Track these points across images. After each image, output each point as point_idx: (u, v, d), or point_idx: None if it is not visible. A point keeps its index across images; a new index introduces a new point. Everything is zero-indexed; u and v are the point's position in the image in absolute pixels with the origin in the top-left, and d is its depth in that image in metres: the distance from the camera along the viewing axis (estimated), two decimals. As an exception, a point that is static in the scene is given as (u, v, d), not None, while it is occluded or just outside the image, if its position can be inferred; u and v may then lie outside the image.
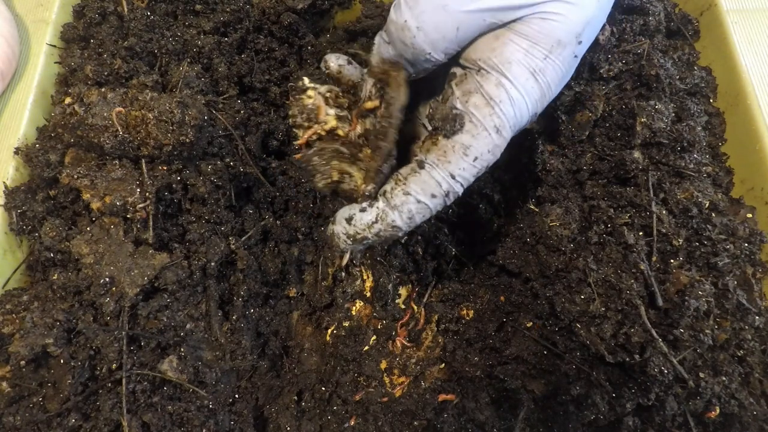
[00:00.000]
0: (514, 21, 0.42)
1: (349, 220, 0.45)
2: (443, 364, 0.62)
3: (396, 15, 0.43)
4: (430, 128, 0.46)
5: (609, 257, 0.52)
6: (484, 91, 0.42)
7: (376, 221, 0.44)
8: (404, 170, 0.45)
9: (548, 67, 0.43)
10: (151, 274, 0.50)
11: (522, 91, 0.42)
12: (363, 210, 0.45)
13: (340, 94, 0.52)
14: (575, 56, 0.44)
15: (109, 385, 0.49)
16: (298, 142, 0.51)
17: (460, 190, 0.44)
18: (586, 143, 0.59)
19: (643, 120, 0.56)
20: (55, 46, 0.64)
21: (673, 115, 0.57)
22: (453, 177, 0.43)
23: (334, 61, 0.51)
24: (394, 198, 0.44)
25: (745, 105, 0.60)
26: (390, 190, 0.44)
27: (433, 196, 0.44)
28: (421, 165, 0.44)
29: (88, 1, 0.66)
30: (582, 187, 0.59)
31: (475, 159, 0.43)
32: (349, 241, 0.46)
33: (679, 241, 0.52)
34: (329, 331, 0.64)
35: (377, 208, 0.45)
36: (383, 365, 0.62)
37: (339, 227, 0.46)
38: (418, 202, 0.44)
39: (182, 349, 0.52)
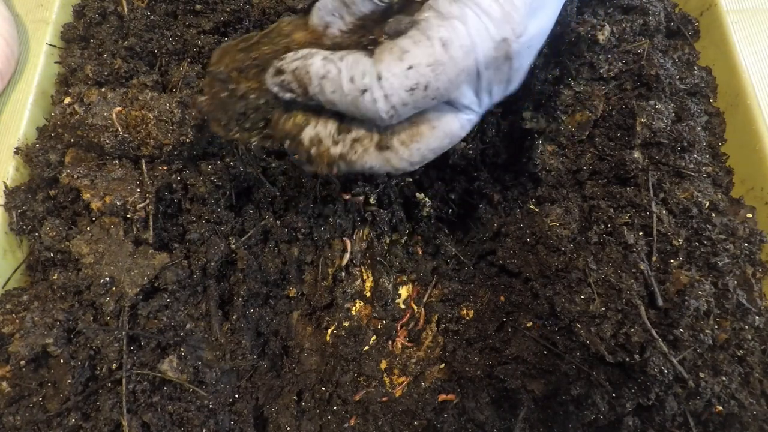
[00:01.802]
0: None
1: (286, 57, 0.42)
2: (443, 364, 0.62)
3: None
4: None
5: (609, 257, 0.52)
6: (438, 5, 0.39)
7: (302, 57, 0.41)
8: (359, 50, 0.41)
9: None
10: (151, 274, 0.50)
11: (476, 9, 0.38)
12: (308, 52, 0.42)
13: None
14: None
15: (109, 385, 0.49)
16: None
17: (381, 102, 0.39)
18: (586, 143, 0.59)
19: (643, 120, 0.56)
20: (55, 46, 0.64)
21: (673, 115, 0.57)
22: (379, 78, 0.38)
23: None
24: (332, 54, 0.41)
25: (745, 105, 0.60)
26: (334, 53, 0.41)
27: (352, 80, 0.39)
28: (368, 54, 0.40)
29: (88, 1, 0.66)
30: (582, 187, 0.59)
31: (410, 67, 0.38)
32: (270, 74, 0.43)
33: (679, 241, 0.52)
34: (329, 331, 0.64)
35: (314, 49, 0.42)
36: (383, 365, 0.62)
37: (272, 66, 0.42)
38: (339, 72, 0.40)
39: (182, 349, 0.52)
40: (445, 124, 0.42)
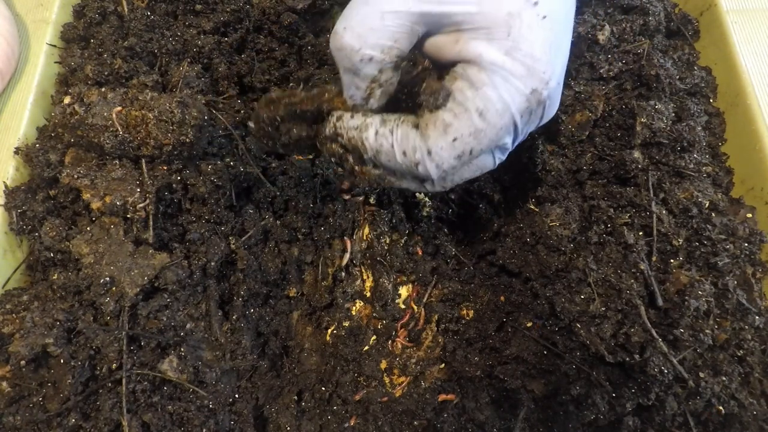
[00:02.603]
0: (456, 23, 0.42)
1: (339, 117, 0.47)
2: (443, 364, 0.62)
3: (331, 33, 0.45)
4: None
5: (609, 257, 0.52)
6: (467, 75, 0.42)
7: (357, 128, 0.45)
8: (406, 117, 0.45)
9: (519, 41, 0.41)
10: (151, 274, 0.50)
11: (502, 73, 0.41)
12: (352, 116, 0.46)
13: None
14: (543, 16, 0.42)
15: (109, 385, 0.49)
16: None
17: (433, 171, 0.44)
18: (586, 143, 0.59)
19: (643, 120, 0.56)
20: (55, 45, 0.64)
21: (673, 115, 0.57)
22: (429, 152, 0.43)
23: None
24: (382, 124, 0.45)
25: (745, 105, 0.60)
26: (384, 118, 0.45)
27: (404, 154, 0.44)
28: (414, 124, 0.44)
29: (88, 1, 0.66)
30: (582, 187, 0.59)
31: (455, 140, 0.42)
32: (328, 133, 0.47)
33: (679, 241, 0.52)
34: (329, 331, 0.64)
35: (365, 118, 0.46)
36: (383, 365, 0.62)
37: (329, 124, 0.47)
38: (392, 146, 0.44)
39: (182, 349, 0.52)
40: (481, 161, 0.46)
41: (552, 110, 0.45)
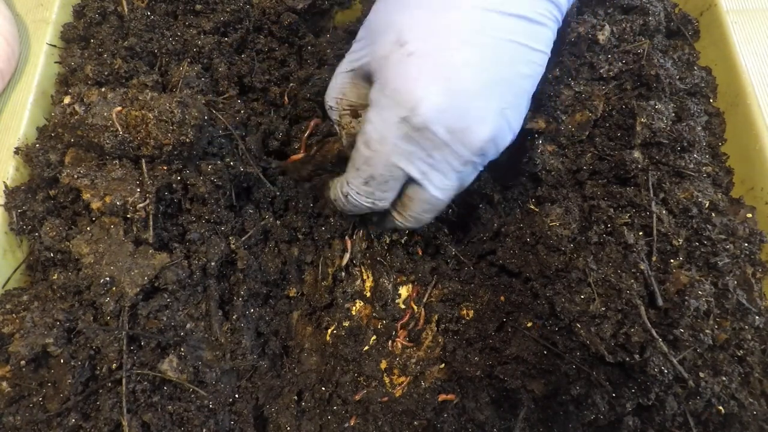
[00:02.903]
0: (368, 73, 0.51)
1: (331, 186, 0.58)
2: (443, 364, 0.62)
3: None
4: None
5: (609, 257, 0.52)
6: (365, 115, 0.50)
7: (333, 195, 0.57)
8: None
9: (388, 78, 0.47)
10: (151, 274, 0.50)
11: (377, 108, 0.47)
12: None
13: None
14: (409, 53, 0.45)
15: (109, 385, 0.49)
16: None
17: (352, 194, 0.53)
18: (586, 143, 0.59)
19: (643, 120, 0.56)
20: (55, 45, 0.64)
21: (673, 115, 0.57)
22: (347, 183, 0.53)
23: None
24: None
25: (745, 105, 0.60)
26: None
27: (341, 191, 0.55)
28: None
29: (88, 1, 0.66)
30: (582, 187, 0.59)
31: (357, 169, 0.51)
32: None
33: (679, 241, 0.52)
34: (329, 331, 0.64)
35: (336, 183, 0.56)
36: (383, 365, 0.62)
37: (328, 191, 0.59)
38: (337, 191, 0.56)
39: (182, 349, 0.52)
40: (419, 195, 0.51)
41: (470, 134, 0.46)
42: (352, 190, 0.52)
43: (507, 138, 0.49)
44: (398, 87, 0.45)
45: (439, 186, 0.50)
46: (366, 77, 0.52)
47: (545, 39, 0.48)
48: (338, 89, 0.56)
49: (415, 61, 0.45)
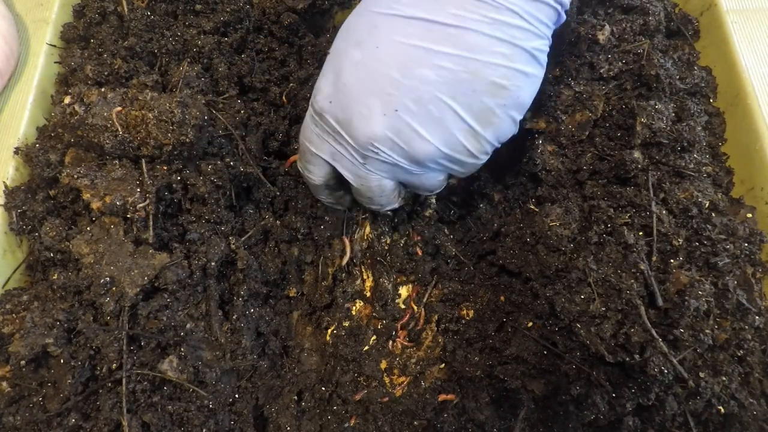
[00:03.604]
0: None
1: None
2: (443, 364, 0.62)
3: None
4: None
5: (609, 257, 0.52)
6: None
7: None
8: None
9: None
10: (151, 274, 0.50)
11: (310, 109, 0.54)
12: None
13: None
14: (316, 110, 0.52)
15: (109, 385, 0.49)
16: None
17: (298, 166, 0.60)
18: (586, 143, 0.59)
19: (643, 120, 0.56)
20: (55, 45, 0.64)
21: (673, 115, 0.57)
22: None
23: None
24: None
25: (745, 105, 0.60)
26: None
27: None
28: None
29: (88, 1, 0.66)
30: (582, 187, 0.59)
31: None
32: None
33: (679, 241, 0.52)
34: (329, 331, 0.64)
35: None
36: (383, 365, 0.62)
37: None
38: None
39: (182, 349, 0.52)
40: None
41: (353, 128, 0.49)
42: (299, 161, 0.59)
43: (415, 142, 0.48)
44: (316, 82, 0.52)
45: (350, 171, 0.53)
46: None
47: (457, 41, 0.45)
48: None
49: (327, 59, 0.52)
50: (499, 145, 0.54)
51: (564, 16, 0.49)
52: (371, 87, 0.47)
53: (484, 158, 0.54)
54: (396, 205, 0.60)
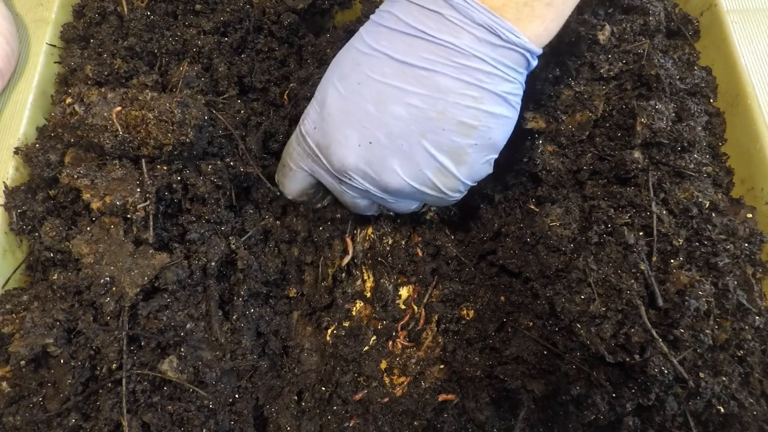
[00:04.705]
0: None
1: None
2: (443, 364, 0.62)
3: None
4: None
5: (609, 257, 0.52)
6: None
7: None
8: None
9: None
10: (151, 274, 0.50)
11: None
12: None
13: None
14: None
15: (109, 385, 0.49)
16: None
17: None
18: (586, 143, 0.59)
19: (643, 120, 0.56)
20: (55, 45, 0.64)
21: (673, 115, 0.57)
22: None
23: None
24: None
25: (745, 105, 0.60)
26: None
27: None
28: None
29: (88, 1, 0.66)
30: (582, 187, 0.59)
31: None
32: None
33: (679, 241, 0.52)
34: (329, 331, 0.64)
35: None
36: (383, 365, 0.62)
37: None
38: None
39: (182, 349, 0.52)
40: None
41: (330, 153, 0.53)
42: (277, 174, 0.63)
43: (385, 174, 0.51)
44: (307, 107, 0.56)
45: (328, 185, 0.57)
46: None
47: (427, 82, 0.48)
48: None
49: (318, 87, 0.55)
50: (474, 184, 0.56)
51: (534, 62, 0.51)
52: (350, 119, 0.50)
53: (457, 196, 0.56)
54: (374, 213, 0.64)
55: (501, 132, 0.52)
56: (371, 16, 0.54)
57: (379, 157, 0.50)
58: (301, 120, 0.56)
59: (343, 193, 0.57)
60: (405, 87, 0.48)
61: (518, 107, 0.53)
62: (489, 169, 0.55)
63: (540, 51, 0.51)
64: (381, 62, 0.49)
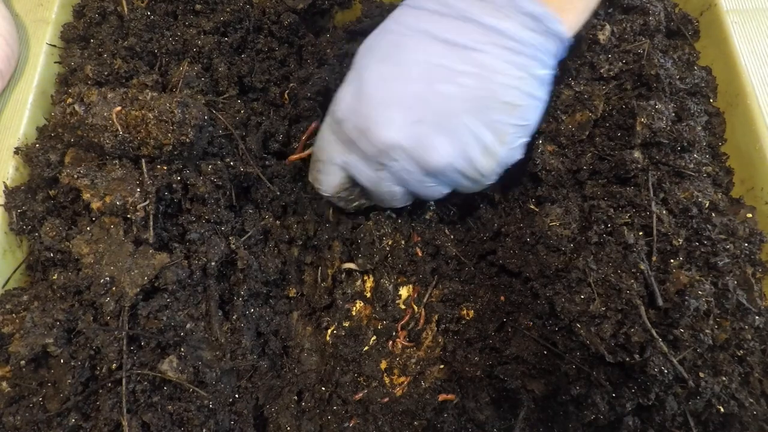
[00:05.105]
0: None
1: None
2: (443, 364, 0.62)
3: None
4: None
5: (609, 257, 0.52)
6: None
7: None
8: None
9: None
10: (151, 274, 0.50)
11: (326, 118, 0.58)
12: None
13: None
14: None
15: (109, 385, 0.49)
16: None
17: (310, 175, 0.62)
18: (586, 143, 0.59)
19: (643, 120, 0.56)
20: (55, 45, 0.64)
21: (673, 115, 0.57)
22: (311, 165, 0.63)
23: None
24: None
25: (745, 105, 0.60)
26: None
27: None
28: None
29: (88, 1, 0.66)
30: (582, 187, 0.59)
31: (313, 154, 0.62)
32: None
33: (679, 241, 0.52)
34: (329, 331, 0.64)
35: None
36: (383, 365, 0.62)
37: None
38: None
39: (182, 349, 0.52)
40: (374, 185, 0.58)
41: (371, 135, 0.51)
42: (311, 172, 0.61)
43: (427, 153, 0.51)
44: (337, 93, 0.55)
45: (363, 176, 0.55)
46: None
47: (477, 62, 0.50)
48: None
49: (349, 73, 0.55)
50: (505, 170, 0.57)
51: (565, 52, 0.55)
52: (393, 99, 0.50)
53: (491, 180, 0.57)
54: (407, 204, 0.63)
55: (537, 114, 0.55)
56: (404, 2, 0.54)
57: (426, 136, 0.50)
58: (331, 109, 0.55)
59: (379, 182, 0.55)
60: (454, 66, 0.50)
61: (549, 93, 0.56)
62: (521, 153, 0.57)
63: (572, 41, 0.54)
64: (426, 43, 0.51)
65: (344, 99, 0.53)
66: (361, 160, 0.54)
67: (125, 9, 0.63)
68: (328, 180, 0.58)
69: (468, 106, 0.50)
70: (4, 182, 0.56)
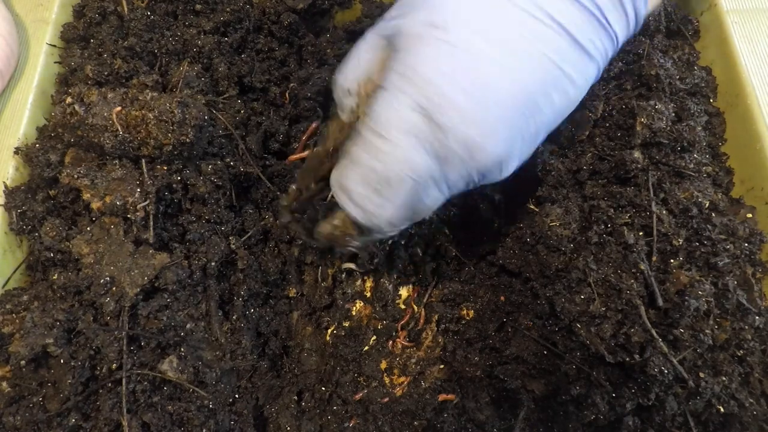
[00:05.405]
0: None
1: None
2: (443, 364, 0.62)
3: None
4: None
5: (609, 257, 0.52)
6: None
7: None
8: None
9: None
10: (151, 274, 0.50)
11: (393, 90, 0.42)
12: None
13: None
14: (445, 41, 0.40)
15: (109, 385, 0.49)
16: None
17: (347, 196, 0.44)
18: (586, 143, 0.59)
19: (643, 120, 0.56)
20: (55, 45, 0.64)
21: (673, 115, 0.57)
22: (344, 184, 0.44)
23: None
24: None
25: (745, 105, 0.60)
26: None
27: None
28: None
29: (88, 1, 0.66)
30: (582, 187, 0.59)
31: (360, 165, 0.43)
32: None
33: (679, 241, 0.52)
34: (329, 331, 0.64)
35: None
36: (383, 365, 0.62)
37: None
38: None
39: (182, 349, 0.52)
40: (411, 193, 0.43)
41: (481, 146, 0.41)
42: (350, 193, 0.42)
43: (511, 166, 0.45)
44: (426, 75, 0.39)
45: (441, 197, 0.45)
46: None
47: (586, 73, 0.44)
48: (363, 67, 0.45)
49: (448, 50, 0.40)
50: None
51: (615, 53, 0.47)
52: (514, 102, 0.42)
53: (506, 175, 0.48)
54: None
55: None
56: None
57: (522, 150, 0.45)
58: (435, 111, 0.40)
59: (439, 198, 0.45)
60: (572, 74, 0.43)
61: None
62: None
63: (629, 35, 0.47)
64: (554, 37, 0.42)
65: (455, 98, 0.39)
66: (460, 178, 0.43)
67: (125, 9, 0.63)
68: (401, 199, 0.42)
69: (554, 120, 0.45)
70: (4, 182, 0.56)
